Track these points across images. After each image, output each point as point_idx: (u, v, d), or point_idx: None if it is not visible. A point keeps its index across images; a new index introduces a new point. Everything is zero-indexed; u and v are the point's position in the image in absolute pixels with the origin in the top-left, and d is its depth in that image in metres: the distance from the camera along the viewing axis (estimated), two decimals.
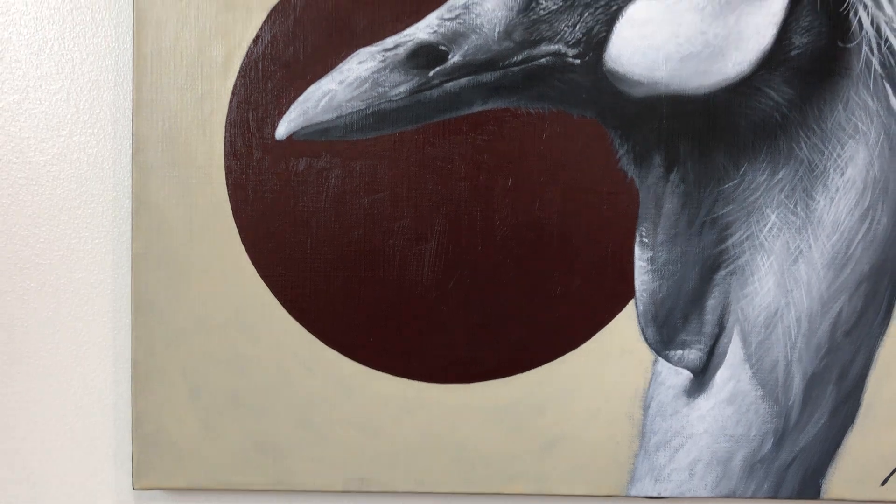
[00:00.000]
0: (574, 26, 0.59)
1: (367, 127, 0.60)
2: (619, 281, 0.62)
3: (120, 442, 0.66)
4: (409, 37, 0.59)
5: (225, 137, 0.61)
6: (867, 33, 0.60)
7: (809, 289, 0.62)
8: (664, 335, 0.63)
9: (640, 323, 0.63)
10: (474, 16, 0.59)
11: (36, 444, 0.66)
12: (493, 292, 0.62)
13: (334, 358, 0.63)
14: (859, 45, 0.60)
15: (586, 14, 0.59)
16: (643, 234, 0.62)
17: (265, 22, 0.60)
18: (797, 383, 0.63)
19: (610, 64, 0.59)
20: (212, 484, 0.63)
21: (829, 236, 0.61)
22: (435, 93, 0.59)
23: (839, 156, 0.61)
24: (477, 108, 0.60)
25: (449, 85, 0.59)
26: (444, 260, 0.62)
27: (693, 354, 0.63)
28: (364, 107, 0.59)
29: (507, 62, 0.59)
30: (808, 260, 0.61)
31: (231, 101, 0.61)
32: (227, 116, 0.61)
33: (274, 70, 0.60)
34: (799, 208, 0.61)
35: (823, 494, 0.64)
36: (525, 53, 0.59)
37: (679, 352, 0.63)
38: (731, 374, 0.63)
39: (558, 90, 0.60)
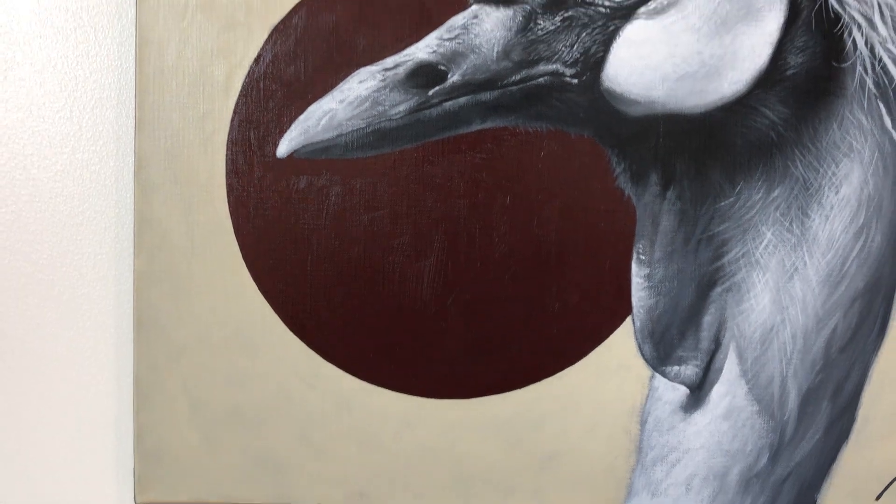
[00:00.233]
0: (572, 46, 0.59)
1: (368, 145, 0.60)
2: (616, 297, 0.63)
3: (122, 456, 0.66)
4: (408, 56, 0.60)
5: (226, 155, 0.61)
6: (861, 53, 0.60)
7: (805, 305, 0.62)
8: (661, 351, 0.63)
9: (637, 339, 0.63)
10: (473, 36, 0.59)
11: (38, 459, 0.66)
12: (492, 308, 0.63)
13: (334, 373, 0.63)
14: (854, 64, 0.60)
15: (584, 34, 0.59)
16: (640, 251, 0.62)
17: (266, 41, 0.61)
18: (793, 399, 0.63)
19: (607, 83, 0.60)
20: (213, 498, 0.64)
21: (824, 254, 0.62)
22: (434, 112, 0.60)
23: (834, 174, 0.61)
24: (476, 127, 0.61)
25: (448, 104, 0.60)
26: (444, 276, 0.63)
27: (689, 370, 0.63)
28: (364, 125, 0.60)
29: (505, 81, 0.60)
30: (804, 277, 0.62)
31: (233, 120, 0.61)
32: (229, 135, 0.61)
33: (275, 89, 0.61)
34: (794, 226, 0.62)
35: None
36: (523, 73, 0.60)
37: (676, 368, 0.63)
38: (728, 389, 0.63)
39: (556, 109, 0.61)
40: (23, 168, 0.64)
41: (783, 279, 0.62)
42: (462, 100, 0.60)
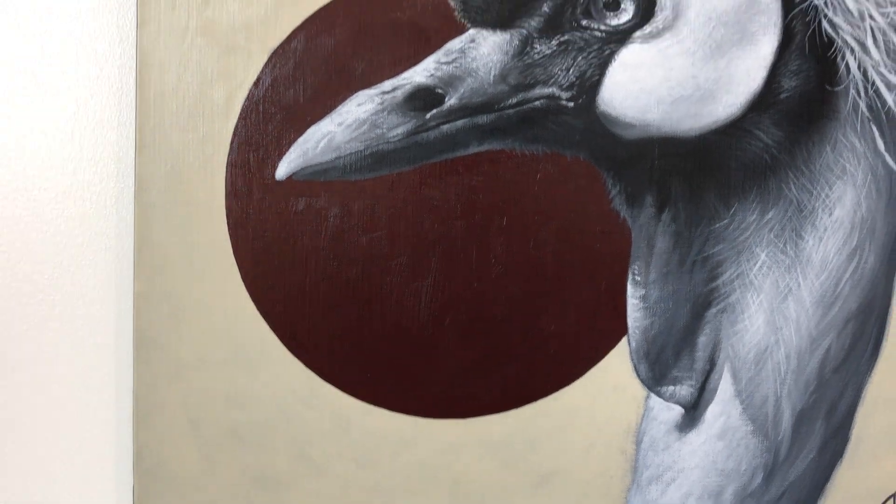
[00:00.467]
0: (568, 70, 0.60)
1: (366, 168, 0.61)
2: (611, 318, 0.63)
3: (121, 475, 0.67)
4: (406, 80, 0.60)
5: (226, 177, 0.62)
6: (854, 77, 0.61)
7: (798, 326, 0.63)
8: (656, 371, 0.64)
9: (632, 359, 0.64)
10: (470, 60, 0.60)
11: (38, 479, 0.67)
12: (489, 329, 0.63)
13: (332, 393, 0.64)
14: (847, 88, 0.61)
15: (580, 58, 0.60)
16: (635, 272, 0.63)
17: (266, 65, 0.61)
18: (787, 419, 0.64)
19: (603, 107, 0.60)
20: None
21: (817, 275, 0.62)
22: (432, 134, 0.60)
23: (827, 196, 0.62)
24: (473, 150, 0.61)
25: (445, 127, 0.60)
26: (441, 297, 0.63)
27: (684, 390, 0.64)
28: (362, 148, 0.60)
29: (502, 105, 0.60)
30: (798, 298, 0.63)
31: (232, 142, 0.62)
32: (228, 157, 0.62)
33: (274, 112, 0.62)
34: (788, 247, 0.62)
35: None
36: (520, 96, 0.60)
37: (671, 388, 0.64)
38: (722, 409, 0.64)
39: (552, 132, 0.61)
40: (24, 189, 0.65)
41: (777, 300, 0.63)
42: (459, 123, 0.60)
